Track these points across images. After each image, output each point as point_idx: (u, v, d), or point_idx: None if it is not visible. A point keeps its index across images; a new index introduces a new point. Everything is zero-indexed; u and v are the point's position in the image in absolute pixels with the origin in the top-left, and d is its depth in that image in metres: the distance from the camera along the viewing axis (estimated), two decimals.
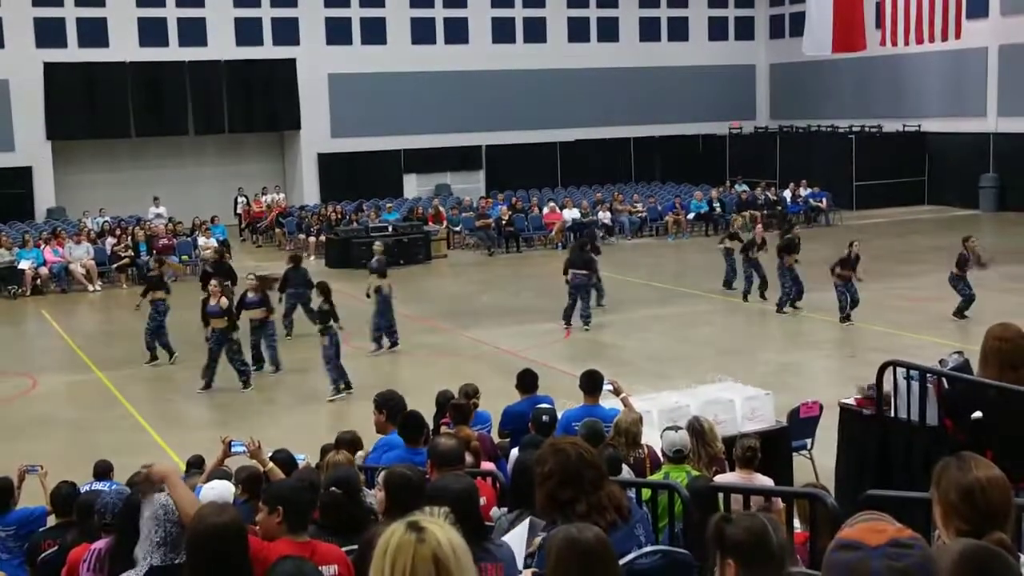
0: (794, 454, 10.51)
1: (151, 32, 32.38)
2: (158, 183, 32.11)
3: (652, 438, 7.94)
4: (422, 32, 35.67)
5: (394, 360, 16.91)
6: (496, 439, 9.33)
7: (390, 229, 26.79)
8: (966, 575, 2.55)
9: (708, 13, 39.93)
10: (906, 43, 32.47)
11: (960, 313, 17.69)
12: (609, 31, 38.35)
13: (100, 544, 5.19)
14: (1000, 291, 19.30)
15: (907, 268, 23.12)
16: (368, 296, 17.38)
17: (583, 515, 4.06)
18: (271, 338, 16.17)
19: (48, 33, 31.28)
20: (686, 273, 24.57)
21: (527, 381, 9.71)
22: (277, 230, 30.48)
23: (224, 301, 15.40)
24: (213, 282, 15.74)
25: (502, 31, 36.74)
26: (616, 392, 8.91)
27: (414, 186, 36.00)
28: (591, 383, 8.97)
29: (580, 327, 18.32)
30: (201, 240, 26.54)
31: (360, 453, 8.28)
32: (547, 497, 4.22)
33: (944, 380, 7.22)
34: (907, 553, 2.36)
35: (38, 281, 24.28)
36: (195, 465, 9.07)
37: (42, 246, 24.95)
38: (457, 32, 36.14)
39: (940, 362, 7.74)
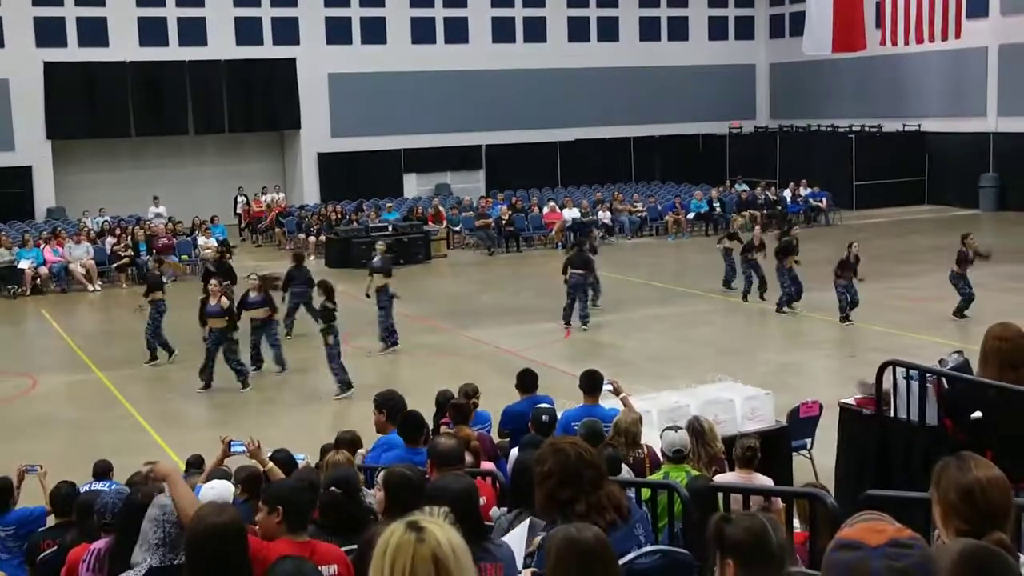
0: (794, 454, 10.51)
1: (151, 32, 32.38)
2: (158, 183, 32.11)
3: (652, 438, 7.94)
4: (422, 32, 35.67)
5: (394, 360, 16.91)
6: (496, 439, 9.33)
7: (390, 229, 26.79)
8: (966, 575, 2.55)
9: (708, 13, 39.93)
10: (906, 43, 32.48)
11: (960, 313, 17.69)
12: (609, 31, 38.35)
13: (100, 544, 5.18)
14: (1000, 291, 19.31)
15: (907, 268, 23.11)
16: (368, 296, 17.37)
17: (582, 515, 4.06)
18: (274, 337, 16.13)
19: (48, 32, 31.29)
20: (686, 273, 24.57)
21: (527, 381, 9.71)
22: (277, 230, 30.49)
23: (224, 301, 15.40)
24: (213, 282, 15.74)
25: (502, 31, 36.74)
26: (616, 392, 8.90)
27: (414, 186, 36.01)
28: (591, 383, 8.96)
29: (579, 327, 18.32)
30: (201, 240, 26.54)
31: (360, 451, 8.29)
32: (546, 497, 4.22)
33: (944, 380, 7.22)
34: (907, 553, 2.36)
35: (38, 281, 24.28)
36: (195, 465, 9.06)
37: (42, 246, 24.95)
38: (457, 32, 36.15)
39: (940, 362, 7.73)
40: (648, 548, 4.44)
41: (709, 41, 39.89)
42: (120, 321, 21.01)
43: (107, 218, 28.96)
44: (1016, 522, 3.72)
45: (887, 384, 7.88)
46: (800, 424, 10.66)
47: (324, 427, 12.51)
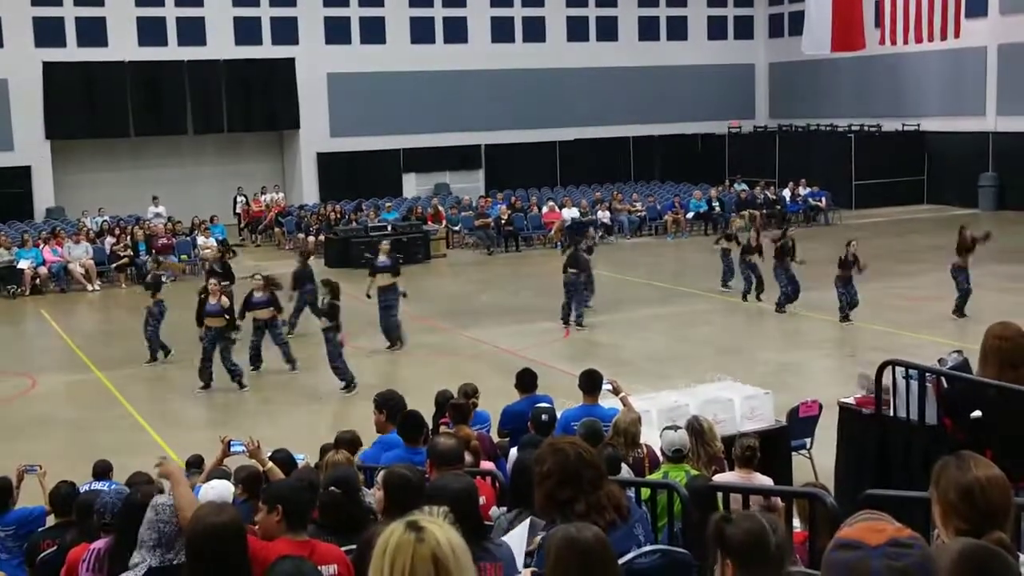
0: (793, 453, 10.52)
1: (150, 31, 32.37)
2: (157, 182, 32.09)
3: (651, 437, 7.94)
4: (421, 31, 35.66)
5: (394, 360, 16.91)
6: (495, 439, 9.33)
7: (389, 228, 26.78)
8: (965, 574, 2.55)
9: (707, 12, 39.93)
10: (905, 42, 32.46)
11: (959, 311, 17.69)
12: (608, 30, 38.35)
13: (99, 544, 5.17)
14: (999, 290, 19.32)
15: (906, 267, 23.12)
16: (368, 296, 17.36)
17: (582, 514, 4.06)
18: (279, 337, 16.09)
19: (47, 32, 31.27)
20: (685, 272, 24.57)
21: (526, 380, 9.71)
22: (276, 229, 30.49)
23: (225, 300, 15.39)
24: (212, 281, 15.73)
25: (501, 30, 36.73)
26: (615, 391, 8.90)
27: (413, 185, 36.00)
28: (590, 382, 8.96)
29: (575, 327, 18.33)
30: (200, 240, 26.53)
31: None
32: (546, 497, 4.22)
33: (943, 379, 7.22)
34: (906, 553, 2.36)
35: (37, 281, 24.28)
36: (194, 465, 9.07)
37: (41, 246, 24.94)
38: (456, 31, 36.14)
39: (939, 361, 7.74)
40: (648, 548, 4.44)
41: (708, 41, 39.89)
42: (119, 321, 21.01)
43: (106, 218, 28.96)
44: (1016, 522, 3.72)
45: (887, 383, 7.88)
46: (799, 424, 10.66)
47: (324, 427, 12.51)
